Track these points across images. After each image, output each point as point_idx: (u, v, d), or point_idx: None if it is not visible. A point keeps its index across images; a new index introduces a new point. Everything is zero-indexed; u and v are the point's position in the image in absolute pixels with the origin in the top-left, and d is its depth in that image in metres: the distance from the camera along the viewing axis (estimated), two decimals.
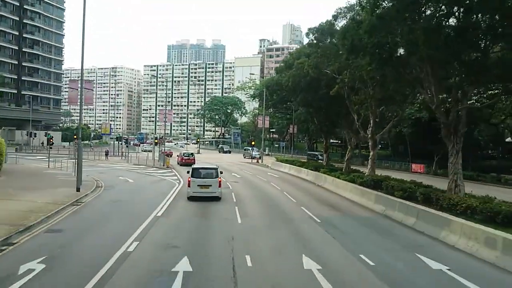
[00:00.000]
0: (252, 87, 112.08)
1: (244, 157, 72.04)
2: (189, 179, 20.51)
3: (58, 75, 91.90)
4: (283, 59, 43.11)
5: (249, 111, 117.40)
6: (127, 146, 54.05)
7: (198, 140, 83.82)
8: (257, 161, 53.42)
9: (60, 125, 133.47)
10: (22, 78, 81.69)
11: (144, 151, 73.53)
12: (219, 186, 20.54)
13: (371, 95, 24.63)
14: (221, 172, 22.01)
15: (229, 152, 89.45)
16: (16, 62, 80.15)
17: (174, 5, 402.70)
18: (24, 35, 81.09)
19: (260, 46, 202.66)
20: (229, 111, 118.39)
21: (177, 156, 49.93)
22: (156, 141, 45.51)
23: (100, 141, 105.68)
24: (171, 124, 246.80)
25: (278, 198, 23.00)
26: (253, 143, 57.70)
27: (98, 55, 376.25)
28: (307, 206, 19.90)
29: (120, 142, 56.52)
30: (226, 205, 19.65)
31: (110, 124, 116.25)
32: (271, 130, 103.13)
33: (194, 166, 23.22)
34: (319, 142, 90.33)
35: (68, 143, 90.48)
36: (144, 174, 35.90)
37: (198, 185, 20.15)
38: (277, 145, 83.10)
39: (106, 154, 50.45)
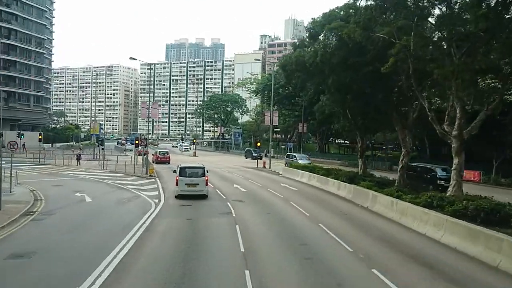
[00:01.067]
0: (254, 83, 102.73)
1: (246, 158, 65.68)
2: (177, 178, 21.16)
3: (40, 70, 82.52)
4: (307, 27, 33.34)
5: (250, 109, 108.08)
6: (102, 149, 44.65)
7: (195, 140, 74.38)
8: (264, 166, 44.19)
9: (53, 125, 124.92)
10: None
11: (126, 150, 64.34)
12: (206, 184, 21.49)
13: (460, 65, 15.07)
14: (207, 171, 22.49)
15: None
16: None
17: (173, 3, 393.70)
18: None
19: (261, 42, 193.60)
20: (229, 109, 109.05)
21: (152, 155, 49.53)
22: (137, 141, 36.07)
23: (89, 143, 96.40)
24: (168, 124, 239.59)
25: (315, 237, 13.67)
26: (258, 144, 48.43)
27: (94, 54, 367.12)
28: (384, 266, 10.51)
29: (97, 144, 47.07)
30: (227, 260, 10.57)
31: (100, 124, 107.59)
32: (275, 129, 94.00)
33: (182, 165, 22.84)
34: (331, 143, 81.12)
35: (51, 145, 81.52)
36: (115, 186, 26.61)
37: (185, 184, 20.88)
38: (283, 146, 73.75)
39: (78, 159, 41.14)
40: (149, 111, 34.91)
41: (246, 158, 67.06)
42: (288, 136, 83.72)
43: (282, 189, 26.66)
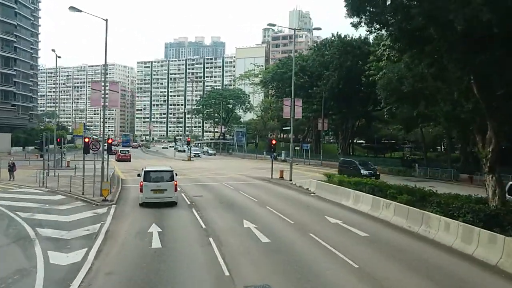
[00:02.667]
0: (259, 75, 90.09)
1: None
2: (141, 183, 18.65)
3: (8, 60, 70.19)
4: None
5: (255, 105, 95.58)
6: (41, 155, 32.04)
7: (190, 140, 61.88)
8: (281, 176, 31.59)
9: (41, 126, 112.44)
10: None
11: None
12: (175, 190, 19.07)
13: None
14: (176, 174, 20.06)
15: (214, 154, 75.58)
16: None
17: (172, 2, 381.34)
18: None
19: (264, 36, 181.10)
20: (230, 106, 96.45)
21: (116, 153, 51.27)
22: (86, 139, 23.32)
23: (74, 145, 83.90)
24: (167, 124, 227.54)
25: None
26: (273, 142, 35.06)
27: (89, 53, 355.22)
28: None
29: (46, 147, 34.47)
30: None
31: (84, 124, 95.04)
32: (284, 128, 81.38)
33: (146, 168, 19.56)
34: (355, 143, 68.30)
35: (22, 148, 69.46)
36: (13, 236, 14.07)
37: (151, 190, 18.46)
38: (297, 148, 61.13)
39: (10, 170, 28.58)
40: (103, 93, 22.19)
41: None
42: (302, 135, 70.82)
43: (340, 233, 14.12)
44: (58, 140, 39.01)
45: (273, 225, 15.00)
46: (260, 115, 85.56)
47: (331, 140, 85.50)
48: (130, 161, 51.97)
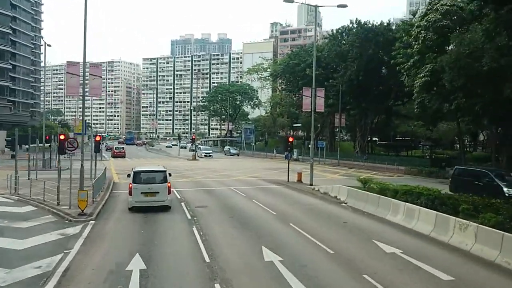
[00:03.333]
0: (268, 69, 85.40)
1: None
2: (130, 185, 16.54)
3: (2, 53, 66.38)
4: None
5: (264, 101, 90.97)
6: (12, 156, 27.70)
7: (195, 138, 57.24)
8: (299, 179, 27.05)
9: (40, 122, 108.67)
10: None
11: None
12: (169, 192, 16.80)
13: None
14: (170, 175, 17.86)
15: (237, 154, 67.20)
16: None
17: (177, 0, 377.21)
18: None
19: (272, 31, 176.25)
20: (237, 102, 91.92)
21: (105, 148, 59.22)
22: (62, 136, 18.78)
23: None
24: (173, 122, 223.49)
25: None
26: (291, 139, 30.21)
27: (94, 51, 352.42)
28: None
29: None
30: None
31: (86, 120, 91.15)
32: (294, 125, 76.76)
33: (136, 169, 17.50)
34: (373, 141, 63.46)
35: (26, 145, 65.59)
36: None
37: (141, 193, 16.39)
38: (310, 146, 56.49)
39: None
40: (82, 77, 17.70)
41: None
42: (315, 132, 65.83)
43: (409, 273, 9.62)
44: (47, 137, 34.79)
45: (305, 257, 10.53)
46: (269, 111, 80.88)
47: (344, 138, 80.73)
48: (124, 157, 54.93)
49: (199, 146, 64.90)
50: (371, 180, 19.23)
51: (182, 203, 18.61)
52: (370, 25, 45.76)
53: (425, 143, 65.33)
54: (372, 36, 44.00)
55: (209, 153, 59.98)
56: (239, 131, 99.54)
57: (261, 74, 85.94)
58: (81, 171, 17.96)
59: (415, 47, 31.77)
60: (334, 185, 21.97)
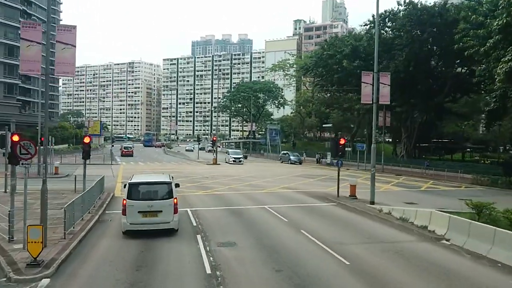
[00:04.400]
0: (295, 65, 78.78)
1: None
2: (124, 201, 12.40)
3: (12, 50, 62.21)
4: None
5: (290, 99, 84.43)
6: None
7: (216, 139, 50.81)
8: (352, 194, 20.43)
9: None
10: None
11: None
12: (175, 211, 12.59)
13: None
14: (178, 185, 14.38)
15: (300, 162, 50.27)
16: None
17: (198, 2, 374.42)
18: None
19: (295, 28, 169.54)
20: (261, 101, 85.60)
21: (119, 149, 60.00)
22: (15, 137, 13.06)
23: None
24: (193, 123, 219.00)
25: None
26: (342, 142, 21.69)
27: (116, 54, 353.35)
28: None
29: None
30: None
31: (101, 121, 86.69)
32: (324, 125, 69.98)
33: (133, 179, 13.41)
34: (422, 143, 55.84)
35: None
36: None
37: (139, 212, 12.36)
38: (349, 148, 49.56)
39: None
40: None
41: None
42: (352, 134, 58.70)
43: None
44: (42, 139, 29.23)
45: None
46: (297, 109, 74.24)
47: (379, 140, 73.47)
48: (132, 155, 57.75)
49: (227, 149, 57.35)
50: (488, 204, 12.51)
51: (198, 236, 12.47)
52: (424, 5, 38.62)
53: (471, 145, 57.72)
54: (426, 18, 36.91)
55: (239, 158, 49.00)
56: (262, 132, 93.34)
57: (287, 71, 79.42)
58: (43, 191, 12.01)
59: (495, 23, 24.82)
60: (415, 209, 15.30)
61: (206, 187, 25.04)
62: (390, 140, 61.01)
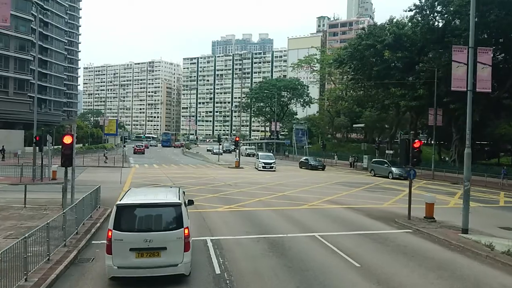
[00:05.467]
0: (322, 61, 73.10)
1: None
2: (110, 233, 8.15)
3: (23, 43, 59.03)
4: None
5: (315, 98, 78.84)
6: None
7: (238, 139, 45.18)
8: (429, 216, 14.96)
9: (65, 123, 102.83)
10: None
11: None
12: (186, 249, 8.25)
13: None
14: (191, 203, 10.67)
15: (322, 168, 42.51)
16: None
17: (219, 2, 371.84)
18: None
19: (319, 25, 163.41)
20: (285, 99, 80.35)
21: (132, 147, 64.59)
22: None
23: (102, 145, 71.95)
24: (213, 123, 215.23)
25: None
26: (418, 144, 15.58)
27: (136, 55, 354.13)
28: None
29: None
30: None
31: (117, 120, 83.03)
32: (355, 125, 64.18)
33: (123, 200, 8.69)
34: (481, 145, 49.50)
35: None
36: None
37: (132, 250, 8.10)
38: (389, 152, 43.67)
39: None
40: None
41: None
42: (389, 135, 52.42)
43: None
44: (37, 138, 24.85)
45: None
46: (327, 108, 68.58)
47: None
48: (144, 153, 61.77)
49: (257, 153, 48.81)
50: None
51: None
52: None
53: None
54: None
55: (270, 162, 38.78)
56: (285, 131, 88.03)
57: (314, 66, 73.88)
58: None
59: None
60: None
61: (230, 199, 20.04)
62: (432, 142, 54.81)
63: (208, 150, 70.82)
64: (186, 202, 10.26)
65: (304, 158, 46.61)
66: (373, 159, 39.43)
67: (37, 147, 25.44)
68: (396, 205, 19.64)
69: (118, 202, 8.43)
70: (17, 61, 57.26)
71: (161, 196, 9.30)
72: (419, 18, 38.94)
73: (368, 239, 12.47)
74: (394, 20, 42.70)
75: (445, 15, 36.93)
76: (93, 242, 11.52)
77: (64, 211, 11.67)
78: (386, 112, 51.81)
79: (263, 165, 38.25)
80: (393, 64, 41.06)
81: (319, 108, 77.88)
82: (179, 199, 8.69)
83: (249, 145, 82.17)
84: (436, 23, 38.12)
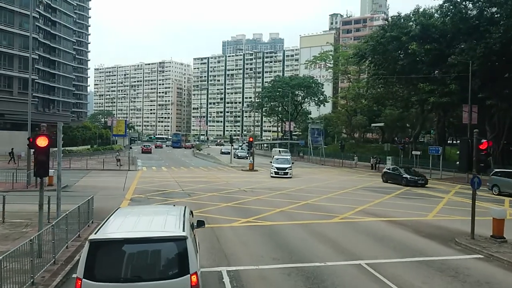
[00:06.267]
0: (338, 59, 69.84)
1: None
2: (79, 283, 5.32)
3: (27, 41, 56.96)
4: None
5: (330, 97, 75.64)
6: None
7: (252, 140, 41.89)
8: (497, 233, 11.97)
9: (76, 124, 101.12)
10: None
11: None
12: None
13: None
14: (202, 224, 8.14)
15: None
16: None
17: (229, 2, 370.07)
18: None
19: (331, 23, 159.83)
20: (298, 98, 77.29)
21: (140, 147, 69.31)
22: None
23: (110, 146, 69.78)
24: (224, 123, 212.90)
25: None
26: (485, 145, 12.54)
27: (147, 56, 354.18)
28: None
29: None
30: None
31: (125, 120, 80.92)
32: (374, 124, 60.88)
33: (96, 234, 5.70)
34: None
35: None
36: None
37: None
38: (416, 153, 40.29)
39: None
40: None
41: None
42: (411, 135, 48.83)
43: None
44: (31, 140, 22.37)
45: None
46: (345, 106, 65.26)
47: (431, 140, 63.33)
48: (151, 152, 65.00)
49: (275, 156, 40.12)
50: None
51: None
52: None
53: None
54: None
55: (285, 168, 32.92)
56: (298, 131, 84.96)
57: (329, 63, 70.68)
58: None
59: None
60: None
61: (246, 209, 17.23)
62: (456, 141, 51.27)
63: (222, 153, 66.70)
64: (195, 224, 7.50)
65: (392, 167, 32.73)
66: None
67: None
68: (443, 217, 16.60)
69: (92, 236, 5.67)
70: (21, 60, 55.36)
71: (158, 223, 6.40)
72: (450, 7, 35.64)
73: (432, 270, 9.50)
74: (421, 10, 39.39)
75: (479, 2, 33.61)
76: (74, 275, 8.78)
77: (38, 233, 9.04)
78: (409, 110, 48.49)
79: (276, 170, 32.77)
80: (419, 58, 37.79)
81: (333, 106, 74.64)
82: (183, 230, 5.89)
83: (260, 146, 78.98)
84: (469, 11, 34.81)
